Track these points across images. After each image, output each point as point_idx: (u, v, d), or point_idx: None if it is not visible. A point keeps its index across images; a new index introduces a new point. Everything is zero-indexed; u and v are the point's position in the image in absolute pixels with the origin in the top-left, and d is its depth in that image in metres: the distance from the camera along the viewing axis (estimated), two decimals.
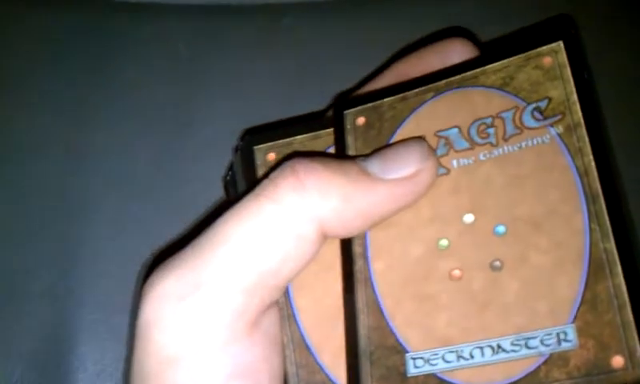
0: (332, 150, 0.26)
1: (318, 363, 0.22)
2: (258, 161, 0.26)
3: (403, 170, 0.22)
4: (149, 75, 0.35)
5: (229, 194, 0.29)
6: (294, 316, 0.23)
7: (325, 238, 0.22)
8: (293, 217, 0.21)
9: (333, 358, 0.22)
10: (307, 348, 0.23)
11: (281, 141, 0.27)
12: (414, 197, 0.23)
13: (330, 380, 0.22)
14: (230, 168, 0.28)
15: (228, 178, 0.28)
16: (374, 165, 0.22)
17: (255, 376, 0.21)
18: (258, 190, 0.22)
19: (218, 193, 0.31)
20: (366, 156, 0.23)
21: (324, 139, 0.26)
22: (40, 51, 0.36)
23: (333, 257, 0.24)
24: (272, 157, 0.26)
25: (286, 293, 0.24)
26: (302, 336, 0.23)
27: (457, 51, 0.25)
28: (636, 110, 0.33)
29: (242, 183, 0.26)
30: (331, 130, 0.26)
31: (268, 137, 0.27)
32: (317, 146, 0.26)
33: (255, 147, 0.27)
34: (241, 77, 0.35)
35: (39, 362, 0.32)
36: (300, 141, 0.26)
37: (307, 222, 0.21)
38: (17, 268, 0.33)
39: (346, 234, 0.22)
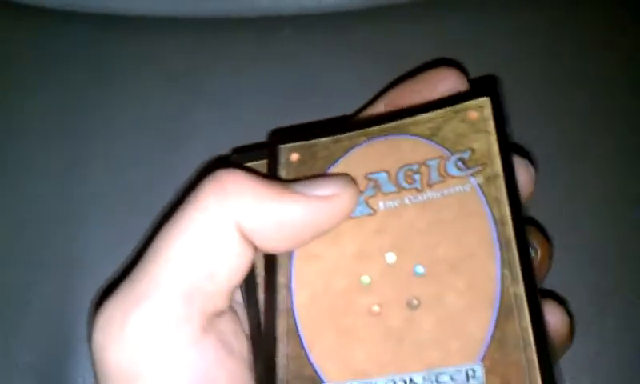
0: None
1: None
2: None
3: (323, 189, 0.23)
4: (146, 88, 0.35)
5: None
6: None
7: (250, 245, 0.22)
8: (214, 220, 0.22)
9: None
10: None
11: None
12: (329, 218, 0.23)
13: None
14: None
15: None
16: (298, 184, 0.24)
17: (213, 382, 0.21)
18: (186, 200, 0.23)
19: None
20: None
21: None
22: (37, 63, 0.36)
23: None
24: None
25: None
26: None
27: (446, 81, 0.27)
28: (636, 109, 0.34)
29: None
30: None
31: (253, 156, 0.27)
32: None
33: (246, 165, 0.27)
34: (238, 89, 0.35)
35: (39, 375, 0.31)
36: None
37: (227, 224, 0.22)
38: (16, 280, 0.32)
39: (264, 241, 0.23)
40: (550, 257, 0.27)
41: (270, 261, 0.24)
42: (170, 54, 0.36)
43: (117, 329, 0.21)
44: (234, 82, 0.35)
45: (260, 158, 0.27)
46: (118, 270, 0.32)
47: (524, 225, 0.22)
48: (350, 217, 0.24)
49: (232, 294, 0.23)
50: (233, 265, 0.22)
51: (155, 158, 0.34)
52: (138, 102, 0.35)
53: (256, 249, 0.23)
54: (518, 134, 0.28)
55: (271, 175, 0.26)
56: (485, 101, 0.25)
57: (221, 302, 0.23)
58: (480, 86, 0.25)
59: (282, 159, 0.27)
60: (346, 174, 0.25)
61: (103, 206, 0.34)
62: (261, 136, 0.32)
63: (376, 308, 0.23)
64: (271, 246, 0.23)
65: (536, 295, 0.21)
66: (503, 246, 0.22)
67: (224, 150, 0.33)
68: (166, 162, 0.34)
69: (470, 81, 0.26)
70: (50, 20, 0.36)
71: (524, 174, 0.25)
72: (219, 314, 0.23)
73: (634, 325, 0.30)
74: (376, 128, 0.26)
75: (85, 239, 0.33)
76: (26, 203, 0.34)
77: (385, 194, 0.25)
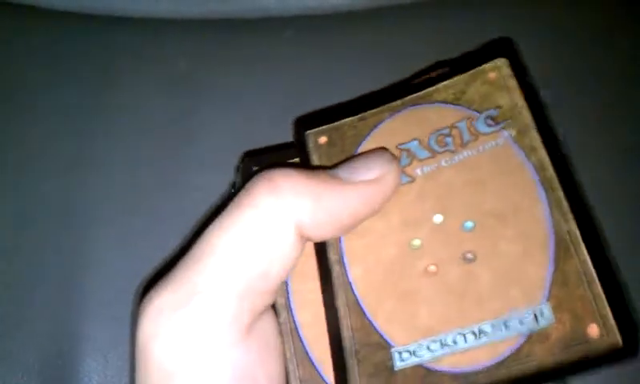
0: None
1: (322, 377, 0.22)
2: None
3: (369, 173, 0.24)
4: (150, 89, 0.35)
5: None
6: (296, 330, 0.23)
7: (304, 239, 0.22)
8: (271, 219, 0.22)
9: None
10: (311, 363, 0.23)
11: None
12: (380, 199, 0.24)
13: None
14: (233, 186, 0.28)
15: (231, 194, 0.29)
16: (344, 171, 0.24)
17: (253, 381, 0.21)
18: (237, 198, 0.22)
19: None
20: (335, 165, 0.24)
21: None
22: (42, 65, 0.36)
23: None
24: None
25: (289, 308, 0.24)
26: (305, 351, 0.23)
27: None
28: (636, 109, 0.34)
29: None
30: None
31: (265, 159, 0.27)
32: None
33: (255, 168, 0.27)
34: (241, 90, 0.35)
35: (43, 375, 0.30)
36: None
37: (285, 223, 0.22)
38: (19, 280, 0.32)
39: (321, 235, 0.23)
40: None
41: (320, 242, 0.24)
42: (173, 55, 0.36)
43: (166, 322, 0.21)
44: (237, 83, 0.35)
45: (271, 161, 0.27)
46: (164, 259, 0.31)
47: (566, 165, 0.23)
48: None
49: (278, 290, 0.23)
50: (286, 262, 0.22)
51: (159, 158, 0.34)
52: (140, 103, 0.35)
53: (306, 241, 0.23)
54: None
55: (303, 162, 0.26)
56: (501, 61, 0.26)
57: (269, 300, 0.23)
58: (494, 48, 0.26)
59: (310, 144, 0.27)
60: (385, 149, 0.25)
61: (107, 206, 0.33)
62: (264, 136, 0.32)
63: (432, 268, 0.23)
64: (326, 236, 0.23)
65: (592, 230, 0.21)
66: (547, 188, 0.23)
67: (228, 151, 0.32)
68: (170, 162, 0.34)
69: (483, 45, 0.27)
70: (54, 20, 0.36)
71: None
72: (263, 312, 0.23)
73: None
74: (399, 101, 0.26)
75: (88, 239, 0.33)
76: (28, 203, 0.33)
77: (420, 161, 0.25)
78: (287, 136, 0.30)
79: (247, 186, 0.23)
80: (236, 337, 0.21)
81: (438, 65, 0.28)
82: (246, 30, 0.36)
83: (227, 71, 0.35)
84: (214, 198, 0.32)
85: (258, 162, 0.27)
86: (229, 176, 0.30)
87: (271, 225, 0.22)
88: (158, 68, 0.36)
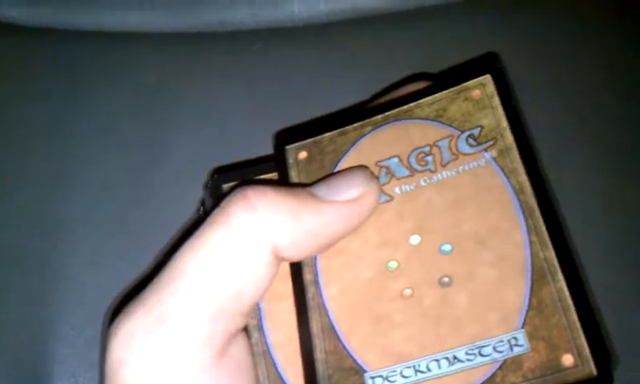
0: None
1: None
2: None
3: (348, 192, 0.23)
4: (121, 103, 0.35)
5: None
6: (269, 352, 0.23)
7: (279, 260, 0.22)
8: (246, 239, 0.21)
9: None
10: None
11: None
12: (359, 218, 0.23)
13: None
14: (202, 204, 0.28)
15: (201, 212, 0.28)
16: (322, 189, 0.23)
17: None
18: (210, 218, 0.22)
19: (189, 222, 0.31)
20: (313, 183, 0.24)
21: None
22: (12, 79, 0.35)
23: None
24: None
25: (261, 329, 0.23)
26: (277, 373, 0.23)
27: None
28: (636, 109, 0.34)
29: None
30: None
31: (234, 176, 0.27)
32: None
33: (224, 186, 0.27)
34: (212, 103, 0.35)
35: None
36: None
37: (260, 243, 0.21)
38: None
39: (297, 255, 0.23)
40: None
41: (295, 262, 0.24)
42: (143, 69, 0.36)
43: (137, 346, 0.20)
44: (208, 97, 0.35)
45: (239, 178, 0.27)
46: (136, 280, 0.31)
47: (546, 190, 0.22)
48: None
49: (251, 311, 0.23)
50: (260, 283, 0.22)
51: (132, 174, 0.34)
52: (111, 117, 0.35)
53: (281, 261, 0.23)
54: None
55: (281, 178, 0.26)
56: (486, 78, 0.25)
57: (242, 322, 0.22)
58: (479, 64, 0.26)
59: (290, 159, 0.26)
60: (365, 167, 0.25)
61: (80, 223, 0.33)
62: (236, 149, 0.32)
63: (408, 291, 0.23)
64: (302, 255, 0.23)
65: (569, 257, 0.21)
66: (527, 213, 0.22)
67: (200, 165, 0.32)
68: (142, 178, 0.34)
69: (469, 61, 0.27)
70: (24, 36, 0.36)
71: None
72: (236, 334, 0.22)
73: (634, 325, 0.30)
74: (380, 116, 0.26)
75: (62, 255, 0.32)
76: (2, 220, 0.33)
77: (399, 179, 0.25)
78: (259, 149, 0.30)
79: (222, 203, 0.22)
80: (208, 361, 0.20)
81: (417, 77, 0.28)
82: (216, 43, 0.36)
83: (198, 84, 0.35)
84: (186, 215, 0.32)
85: (227, 179, 0.27)
86: (200, 191, 0.30)
87: (246, 244, 0.21)
88: (128, 82, 0.35)
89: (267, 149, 0.29)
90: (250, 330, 0.23)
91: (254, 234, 0.21)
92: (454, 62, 0.32)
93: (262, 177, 0.27)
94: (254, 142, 0.31)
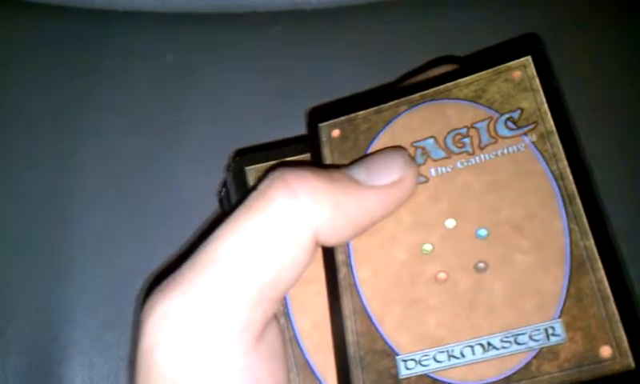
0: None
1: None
2: (251, 181, 0.26)
3: (388, 176, 0.23)
4: (137, 84, 0.35)
5: (224, 209, 0.28)
6: (296, 339, 0.23)
7: (317, 245, 0.22)
8: (287, 226, 0.21)
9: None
10: (311, 371, 0.22)
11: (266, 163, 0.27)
12: (398, 203, 0.23)
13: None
14: (224, 185, 0.28)
15: (222, 194, 0.28)
16: (361, 173, 0.23)
17: None
18: (248, 201, 0.21)
19: (206, 204, 0.31)
20: (350, 165, 0.24)
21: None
22: (28, 60, 0.35)
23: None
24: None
25: (287, 315, 0.23)
26: (305, 358, 0.22)
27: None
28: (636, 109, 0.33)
29: (236, 200, 0.26)
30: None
31: (257, 158, 0.27)
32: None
33: (247, 168, 0.27)
34: (229, 84, 0.34)
35: (27, 379, 0.30)
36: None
37: (302, 230, 0.21)
38: (4, 284, 0.31)
39: (337, 241, 0.22)
40: None
41: None
42: (160, 50, 0.35)
43: (173, 327, 0.20)
44: (225, 78, 0.35)
45: (262, 160, 0.27)
46: (169, 260, 0.31)
47: (588, 177, 0.22)
48: None
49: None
50: (299, 269, 0.21)
51: (146, 156, 0.34)
52: (127, 98, 0.35)
53: (319, 246, 0.22)
54: None
55: (314, 155, 0.26)
56: (527, 60, 0.25)
57: (278, 306, 0.22)
58: (520, 45, 0.25)
59: (323, 137, 0.26)
60: (402, 148, 0.24)
61: (92, 208, 0.33)
62: (252, 131, 0.32)
63: (442, 275, 0.22)
64: (342, 241, 0.23)
65: (610, 246, 0.21)
66: (567, 200, 0.22)
67: (215, 145, 0.32)
68: (157, 159, 0.33)
69: (509, 40, 0.26)
70: (42, 15, 0.36)
71: None
72: (272, 319, 0.22)
73: None
74: (417, 95, 0.26)
75: (73, 241, 0.32)
76: (11, 204, 0.33)
77: (435, 161, 0.24)
78: (276, 131, 0.30)
79: (260, 187, 0.22)
80: (247, 345, 0.20)
81: (443, 60, 0.27)
82: (234, 25, 0.36)
83: (214, 65, 0.35)
84: (203, 197, 0.31)
85: (250, 162, 0.27)
86: (218, 173, 0.29)
87: (287, 231, 0.21)
88: (145, 62, 0.35)
89: (285, 131, 0.28)
90: (277, 315, 0.23)
91: (295, 221, 0.21)
92: (474, 45, 0.32)
93: (289, 159, 0.26)
94: (272, 124, 0.31)
